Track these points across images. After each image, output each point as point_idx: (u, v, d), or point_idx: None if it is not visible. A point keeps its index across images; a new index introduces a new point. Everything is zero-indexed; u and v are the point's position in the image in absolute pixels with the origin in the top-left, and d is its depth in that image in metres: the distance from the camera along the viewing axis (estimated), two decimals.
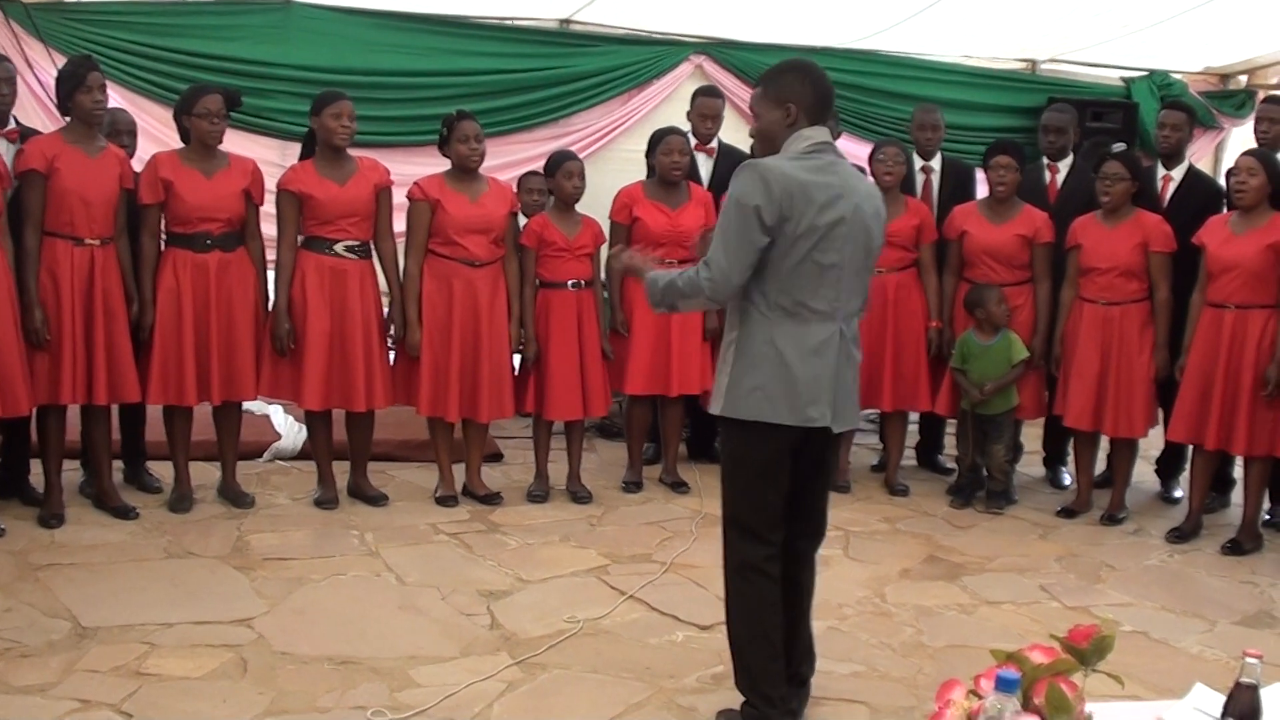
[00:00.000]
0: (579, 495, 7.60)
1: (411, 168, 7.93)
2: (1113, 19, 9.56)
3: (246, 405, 7.40)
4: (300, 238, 6.98)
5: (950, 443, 8.52)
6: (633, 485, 7.89)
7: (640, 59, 9.59)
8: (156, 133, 8.06)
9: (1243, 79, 11.09)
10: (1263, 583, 6.79)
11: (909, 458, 8.66)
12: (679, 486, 7.90)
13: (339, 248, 6.95)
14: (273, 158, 8.29)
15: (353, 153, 7.05)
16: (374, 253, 7.13)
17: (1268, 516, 7.67)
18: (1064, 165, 8.41)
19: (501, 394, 7.25)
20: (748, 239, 4.29)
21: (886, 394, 7.88)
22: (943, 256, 7.93)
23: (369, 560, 6.44)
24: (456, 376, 7.13)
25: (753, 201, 4.27)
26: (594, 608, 5.89)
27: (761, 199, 4.27)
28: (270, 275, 7.07)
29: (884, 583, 6.48)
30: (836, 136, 8.41)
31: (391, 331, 7.17)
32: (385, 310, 7.20)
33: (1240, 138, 10.28)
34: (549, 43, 9.51)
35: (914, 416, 8.51)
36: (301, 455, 7.98)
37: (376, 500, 7.32)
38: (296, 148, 7.33)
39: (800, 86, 4.45)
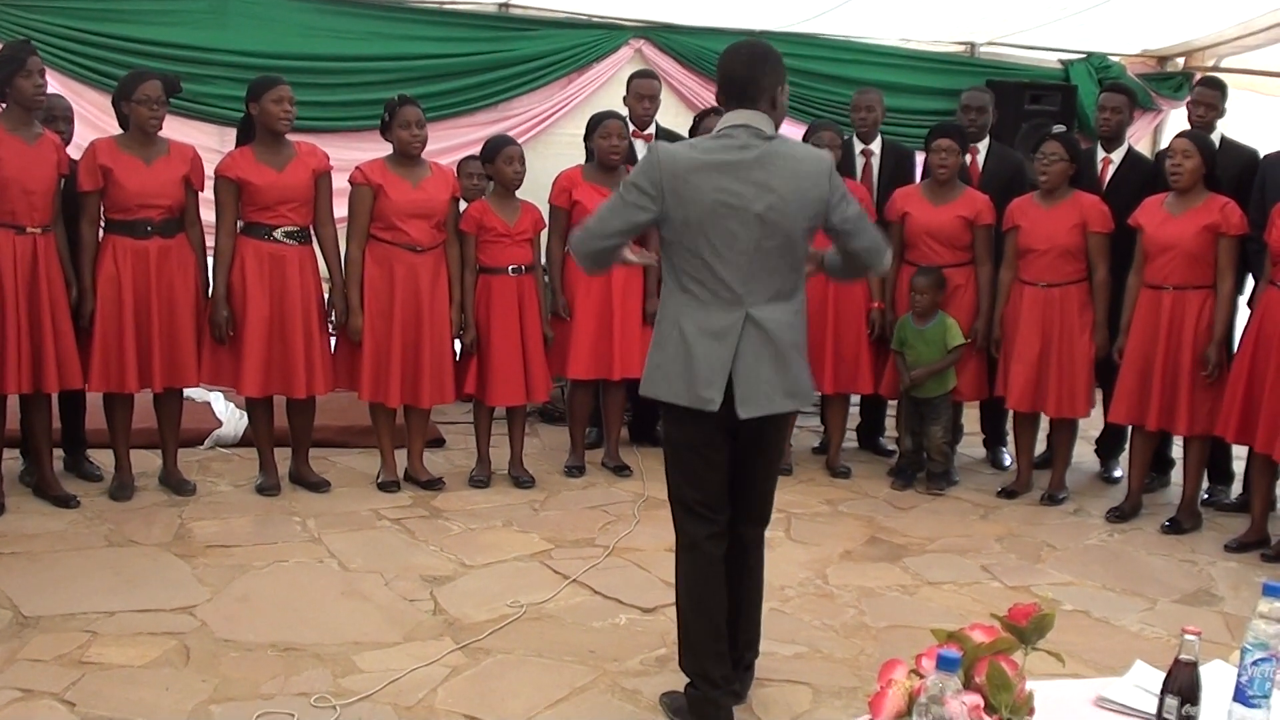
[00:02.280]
0: (521, 480, 7.60)
1: (351, 153, 7.92)
2: (1051, 2, 9.61)
3: (187, 392, 7.36)
4: (239, 224, 6.93)
5: (892, 424, 8.57)
6: (575, 469, 7.88)
7: (579, 43, 9.58)
8: (94, 119, 8.00)
9: (1180, 61, 11.19)
10: (1202, 561, 6.86)
11: (850, 440, 8.69)
12: (621, 470, 7.90)
13: (278, 234, 6.90)
14: (211, 143, 8.24)
15: (291, 138, 7.00)
16: (314, 238, 7.09)
17: (1206, 495, 7.76)
18: (982, 147, 8.45)
19: (443, 379, 7.24)
20: (621, 211, 4.42)
21: (828, 377, 7.88)
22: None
23: (311, 546, 6.42)
24: (398, 362, 7.11)
25: (636, 180, 4.39)
26: (537, 592, 5.89)
27: (644, 178, 4.36)
28: (210, 262, 7.01)
29: (826, 564, 6.52)
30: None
31: (333, 317, 7.15)
32: (326, 296, 7.17)
33: (1178, 119, 10.34)
34: (488, 26, 9.49)
35: (855, 399, 8.54)
36: (243, 442, 7.92)
37: (318, 486, 7.30)
38: (234, 133, 7.25)
39: (719, 71, 4.54)
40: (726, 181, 4.35)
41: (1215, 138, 7.67)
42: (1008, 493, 7.86)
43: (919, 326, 7.65)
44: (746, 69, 4.45)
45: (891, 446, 8.52)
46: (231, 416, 8.18)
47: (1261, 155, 7.50)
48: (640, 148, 8.05)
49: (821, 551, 6.71)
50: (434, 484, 7.43)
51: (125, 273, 6.69)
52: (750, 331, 4.42)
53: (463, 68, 9.30)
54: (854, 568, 6.52)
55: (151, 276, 6.74)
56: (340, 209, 7.18)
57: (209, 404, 8.37)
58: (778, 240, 4.42)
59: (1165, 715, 2.66)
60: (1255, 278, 7.14)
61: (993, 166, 8.34)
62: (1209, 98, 7.89)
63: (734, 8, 9.44)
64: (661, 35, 9.70)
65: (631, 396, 7.95)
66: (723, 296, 4.41)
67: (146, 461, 7.30)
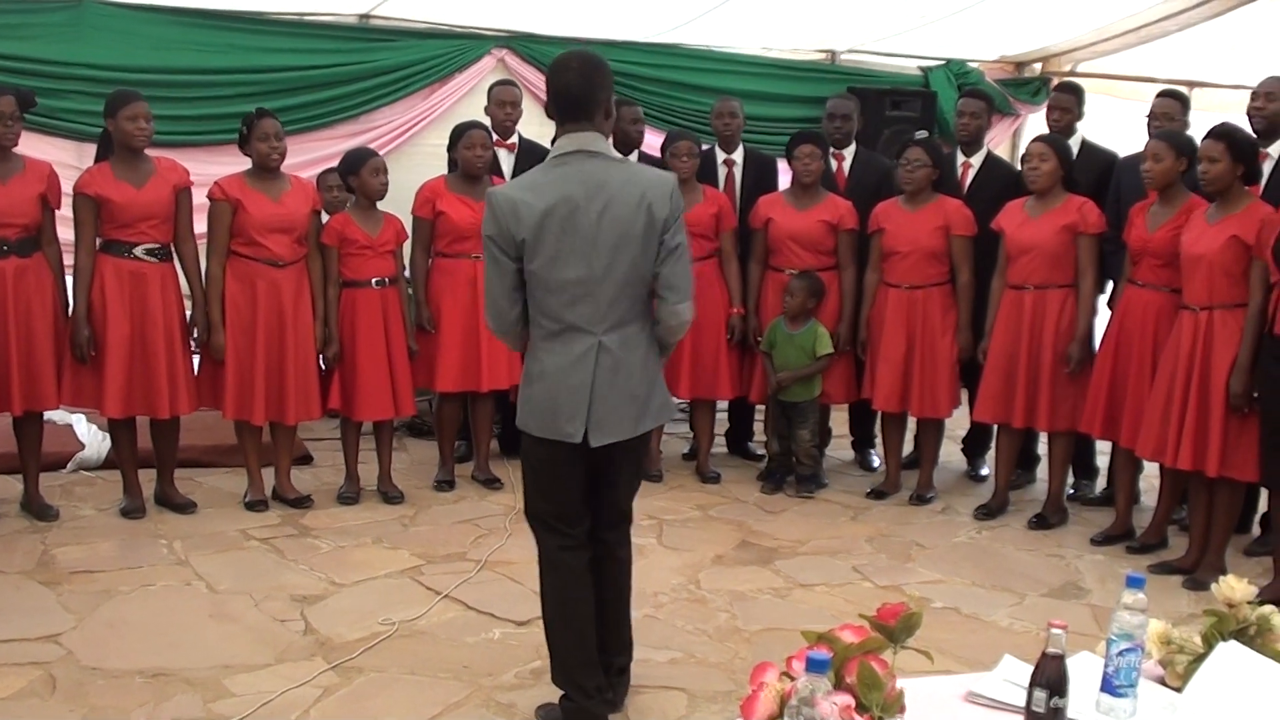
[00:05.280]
0: (390, 496, 7.54)
1: (211, 167, 7.77)
2: (910, 10, 9.73)
3: (48, 414, 7.20)
4: (98, 241, 6.80)
5: (760, 429, 8.62)
6: (445, 484, 7.83)
7: (441, 53, 9.52)
8: None
9: (1037, 67, 11.39)
10: (1068, 555, 6.99)
11: (719, 445, 8.74)
12: (492, 483, 7.87)
13: (138, 251, 6.78)
14: (69, 159, 8.05)
15: (150, 153, 6.89)
16: (175, 255, 6.97)
17: (1072, 490, 7.90)
18: (848, 153, 8.55)
19: (308, 395, 7.16)
20: (496, 268, 4.42)
21: (684, 383, 7.91)
22: (747, 246, 8.00)
23: (179, 569, 6.32)
24: (262, 379, 7.03)
25: (488, 232, 4.40)
26: (409, 609, 5.85)
27: (492, 228, 4.37)
28: (69, 281, 6.88)
29: (698, 569, 6.54)
30: (638, 136, 8.42)
31: (195, 335, 7.03)
32: (188, 313, 7.05)
33: (1037, 124, 10.51)
34: (348, 38, 9.40)
35: (723, 404, 8.58)
36: (106, 464, 7.77)
37: (184, 508, 7.18)
38: (93, 149, 7.13)
39: (551, 85, 4.47)
40: (571, 213, 4.34)
41: (1075, 141, 7.85)
42: (877, 493, 7.95)
43: (790, 330, 7.70)
44: (583, 83, 4.39)
45: (760, 451, 8.57)
46: (94, 439, 8.01)
47: (1119, 158, 7.66)
48: (504, 157, 8.03)
49: (693, 557, 6.73)
50: (302, 502, 7.35)
51: None
52: (603, 360, 4.43)
53: (323, 80, 9.19)
54: (726, 572, 6.55)
55: (8, 298, 6.58)
56: (200, 225, 7.08)
57: (71, 426, 8.18)
58: (627, 264, 4.41)
59: (1034, 708, 2.69)
60: (1113, 278, 7.28)
61: (859, 173, 8.43)
62: (1065, 102, 8.06)
63: (596, 18, 9.44)
64: (524, 45, 9.67)
65: (500, 408, 7.92)
66: (577, 327, 4.42)
67: (7, 487, 7.18)
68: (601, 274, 4.38)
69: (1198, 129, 6.85)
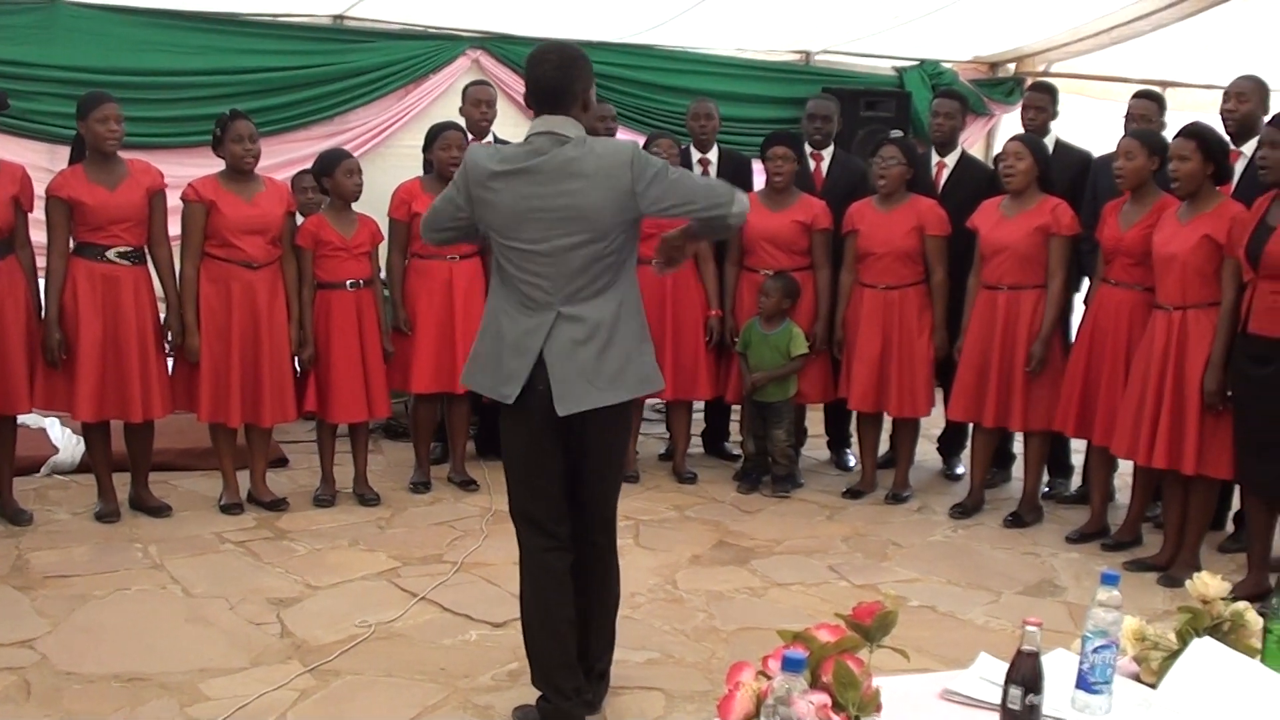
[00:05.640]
0: (366, 498, 7.52)
1: (185, 169, 7.75)
2: (884, 10, 9.75)
3: (22, 418, 7.16)
4: (71, 244, 6.77)
5: (736, 429, 8.62)
6: (421, 485, 7.82)
7: (416, 54, 9.52)
8: None
9: (1011, 67, 11.42)
10: (1044, 553, 7.00)
11: (696, 445, 8.74)
12: (468, 485, 7.86)
13: (111, 254, 6.74)
14: (41, 162, 8.01)
15: (124, 155, 6.85)
16: (148, 258, 6.95)
17: (1047, 489, 7.92)
18: (827, 154, 8.54)
19: (284, 397, 7.13)
20: (444, 210, 4.66)
21: (665, 384, 7.89)
22: (722, 247, 7.99)
23: (154, 573, 6.29)
24: (237, 381, 6.99)
25: (455, 181, 4.61)
26: (385, 611, 5.84)
27: (460, 182, 4.54)
28: (42, 284, 6.84)
29: (675, 569, 6.55)
30: (609, 135, 8.42)
31: (169, 338, 7.01)
32: (162, 316, 7.02)
33: (1011, 124, 10.58)
34: (323, 39, 9.37)
35: (699, 405, 8.58)
36: (80, 468, 7.73)
37: (159, 511, 7.15)
38: (66, 151, 7.08)
39: (529, 76, 4.54)
40: (524, 187, 4.38)
41: (1050, 141, 7.86)
42: (853, 493, 7.96)
43: (765, 331, 7.71)
44: (560, 74, 4.43)
45: (736, 451, 8.56)
46: (68, 442, 7.98)
47: (1094, 157, 7.69)
48: None
49: (670, 557, 6.73)
50: (278, 504, 7.33)
51: None
52: (562, 328, 4.42)
53: (298, 81, 9.17)
54: (703, 572, 6.55)
55: None
56: (174, 227, 7.04)
57: (44, 430, 8.15)
58: (584, 239, 4.39)
59: (1010, 705, 2.70)
60: (1089, 277, 7.30)
61: (836, 174, 8.42)
62: (1040, 101, 8.09)
63: (571, 18, 9.44)
64: (498, 45, 9.67)
65: (476, 409, 7.91)
66: (534, 297, 4.44)
67: None
68: (559, 250, 4.39)
69: (1172, 129, 6.87)
